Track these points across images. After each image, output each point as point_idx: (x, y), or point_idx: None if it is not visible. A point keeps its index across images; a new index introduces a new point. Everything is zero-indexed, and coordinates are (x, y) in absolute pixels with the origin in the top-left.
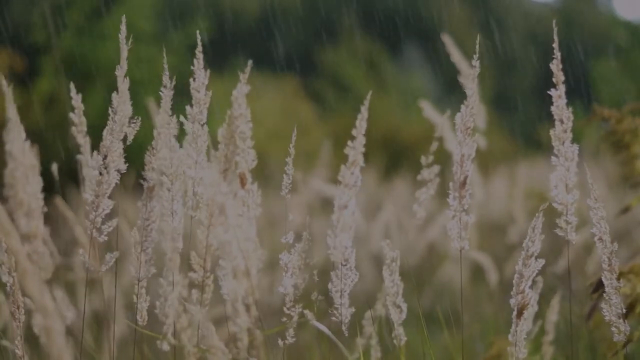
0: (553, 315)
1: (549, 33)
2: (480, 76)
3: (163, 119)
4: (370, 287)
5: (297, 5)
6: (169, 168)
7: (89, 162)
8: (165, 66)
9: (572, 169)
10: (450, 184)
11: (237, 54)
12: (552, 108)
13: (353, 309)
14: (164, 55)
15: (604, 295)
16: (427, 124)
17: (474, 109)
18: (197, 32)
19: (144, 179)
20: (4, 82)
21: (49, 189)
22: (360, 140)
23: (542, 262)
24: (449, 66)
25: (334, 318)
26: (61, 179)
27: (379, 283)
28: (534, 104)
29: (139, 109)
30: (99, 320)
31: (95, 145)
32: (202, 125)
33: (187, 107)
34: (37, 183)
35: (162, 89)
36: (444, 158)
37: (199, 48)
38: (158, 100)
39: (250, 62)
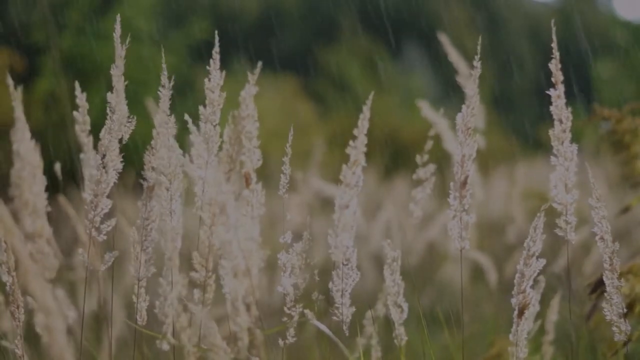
0: (553, 315)
1: (549, 33)
2: (480, 76)
3: (162, 118)
4: (371, 286)
5: (297, 5)
6: (167, 167)
7: (90, 161)
8: (164, 66)
9: (572, 169)
10: (451, 184)
11: (237, 54)
12: (551, 108)
13: (354, 309)
14: (163, 55)
15: (605, 294)
16: (426, 123)
17: (475, 109)
18: (216, 32)
19: (144, 179)
20: (11, 82)
21: (49, 188)
22: (362, 140)
23: (543, 261)
24: (449, 66)
25: (334, 318)
26: (62, 178)
27: (379, 283)
28: (534, 104)
29: (140, 108)
30: (100, 320)
31: (95, 145)
32: (215, 126)
33: (200, 108)
34: (40, 183)
35: (160, 88)
36: (442, 158)
37: (216, 49)
38: (157, 100)
39: (259, 64)
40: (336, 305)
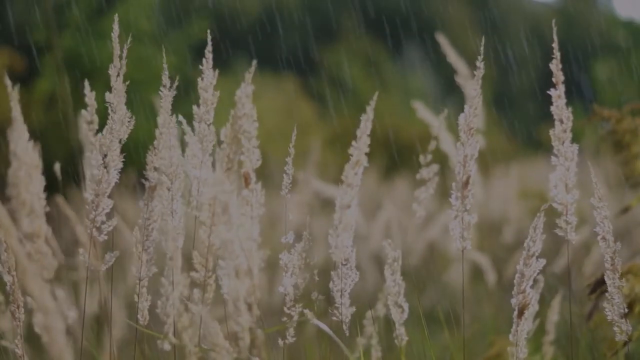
0: (553, 315)
1: (549, 33)
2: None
3: (163, 118)
4: (371, 286)
5: (297, 5)
6: (168, 167)
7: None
8: (165, 66)
9: (572, 169)
10: (453, 184)
11: (237, 53)
12: (552, 108)
13: (353, 309)
14: (164, 55)
15: (606, 294)
16: (426, 124)
17: (478, 110)
18: (208, 32)
19: (145, 179)
20: (9, 82)
21: (50, 188)
22: (365, 140)
23: (543, 261)
24: (449, 66)
25: (334, 317)
26: (63, 178)
27: (379, 282)
28: (534, 104)
29: (141, 108)
30: (100, 320)
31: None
32: (209, 126)
33: (194, 107)
34: (39, 183)
35: (161, 88)
36: (441, 158)
37: (209, 48)
38: (158, 99)
39: (254, 63)
40: (336, 305)
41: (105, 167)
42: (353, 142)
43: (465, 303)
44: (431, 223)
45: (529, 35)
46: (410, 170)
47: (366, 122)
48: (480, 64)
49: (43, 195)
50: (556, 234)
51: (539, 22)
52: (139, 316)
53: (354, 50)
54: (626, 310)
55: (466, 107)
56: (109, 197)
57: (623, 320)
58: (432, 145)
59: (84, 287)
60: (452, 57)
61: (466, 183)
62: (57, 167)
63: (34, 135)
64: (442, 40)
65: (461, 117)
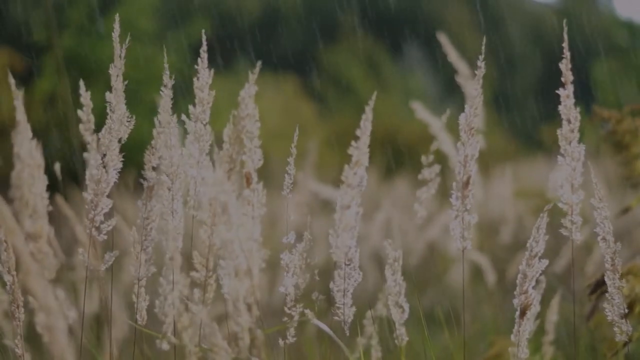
0: (553, 315)
1: (549, 33)
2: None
3: (163, 118)
4: (370, 286)
5: (297, 5)
6: (168, 167)
7: (91, 160)
8: (166, 66)
9: (578, 169)
10: (454, 184)
11: (237, 53)
12: (560, 107)
13: (354, 309)
14: (165, 54)
15: (607, 295)
16: (426, 124)
17: (478, 109)
18: (203, 31)
19: (144, 179)
20: (13, 82)
21: (50, 188)
22: (365, 140)
23: (545, 262)
24: (449, 66)
25: (336, 318)
26: (62, 178)
27: (379, 283)
28: (534, 104)
29: (141, 108)
30: (100, 320)
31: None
32: (205, 125)
33: (190, 107)
34: (42, 182)
35: (162, 88)
36: (441, 158)
37: (204, 47)
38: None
39: (259, 63)
40: (337, 305)
41: (105, 167)
42: (353, 143)
43: (465, 303)
44: (431, 223)
45: (529, 35)
46: (410, 170)
47: (366, 122)
48: (481, 63)
49: (46, 195)
50: (556, 233)
51: (539, 22)
52: (137, 316)
53: (354, 50)
54: (626, 310)
55: (467, 107)
56: (109, 196)
57: (623, 320)
58: (434, 145)
59: (83, 286)
60: (453, 57)
61: (467, 183)
62: (57, 167)
63: (34, 135)
64: (442, 40)
65: (462, 117)
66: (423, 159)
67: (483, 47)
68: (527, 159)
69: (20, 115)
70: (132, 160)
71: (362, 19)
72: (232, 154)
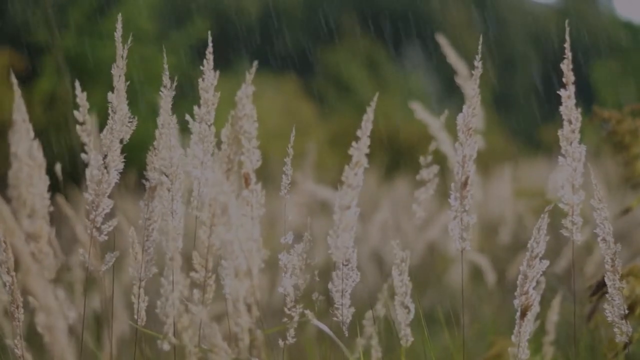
0: (554, 315)
1: (549, 33)
2: (480, 76)
3: (164, 118)
4: (370, 286)
5: (297, 5)
6: (169, 168)
7: (92, 161)
8: (166, 66)
9: (579, 170)
10: (452, 184)
11: (237, 54)
12: (561, 108)
13: (353, 309)
14: (164, 55)
15: (607, 296)
16: (425, 125)
17: (476, 110)
18: (209, 32)
19: (146, 179)
20: (15, 81)
21: (50, 188)
22: (365, 141)
23: (546, 263)
24: (449, 67)
25: (335, 318)
26: (63, 178)
27: (378, 282)
28: (534, 104)
29: (141, 108)
30: (100, 320)
31: (95, 144)
32: (210, 126)
33: (195, 108)
34: (43, 183)
35: (162, 88)
36: (440, 159)
37: (210, 49)
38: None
39: (255, 63)
40: (336, 305)
41: (106, 168)
42: (353, 143)
43: (465, 303)
44: (431, 223)
45: (529, 35)
46: (410, 170)
47: (366, 122)
48: (478, 63)
49: (47, 195)
50: (556, 234)
51: (538, 22)
52: (136, 317)
53: (354, 50)
54: (626, 311)
55: (465, 107)
56: (110, 197)
57: (623, 321)
58: (432, 145)
59: (83, 287)
60: (452, 57)
61: (465, 183)
62: (58, 167)
63: (34, 134)
64: (442, 40)
65: (460, 117)
66: (421, 159)
67: (480, 47)
68: (527, 159)
69: (18, 114)
70: (133, 160)
71: (362, 19)
72: (230, 155)
